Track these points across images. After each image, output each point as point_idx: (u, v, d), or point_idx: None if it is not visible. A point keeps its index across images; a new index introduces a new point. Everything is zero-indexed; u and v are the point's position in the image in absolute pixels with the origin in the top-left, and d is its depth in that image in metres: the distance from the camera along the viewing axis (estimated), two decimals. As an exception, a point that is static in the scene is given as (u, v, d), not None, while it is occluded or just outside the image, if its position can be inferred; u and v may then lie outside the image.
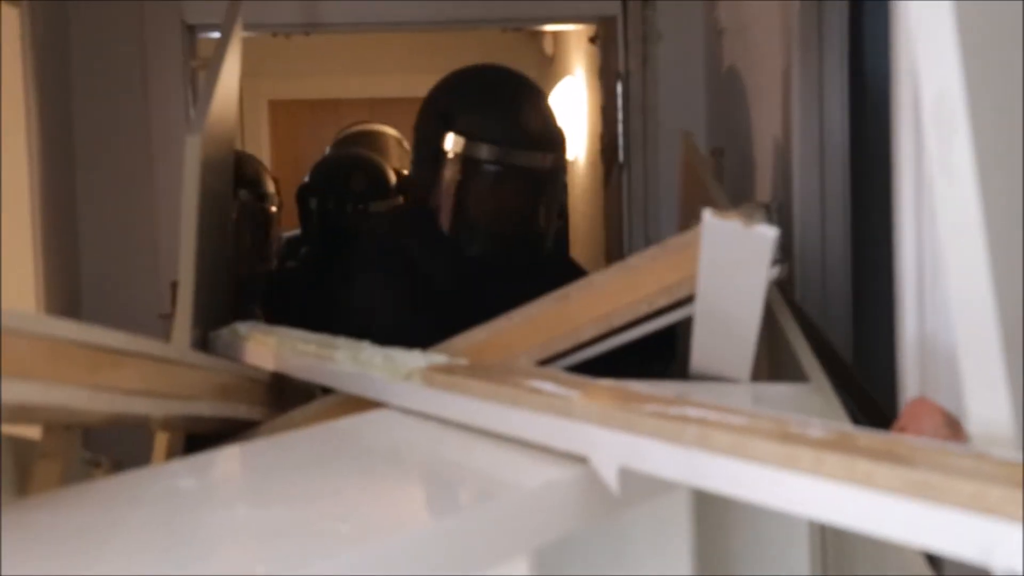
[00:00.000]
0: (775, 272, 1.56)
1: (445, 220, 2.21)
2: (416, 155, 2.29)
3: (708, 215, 1.32)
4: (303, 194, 3.14)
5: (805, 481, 0.79)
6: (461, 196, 2.20)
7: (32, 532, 0.91)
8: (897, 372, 1.43)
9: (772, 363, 1.63)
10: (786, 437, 0.82)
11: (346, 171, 3.13)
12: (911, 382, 1.37)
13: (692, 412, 0.94)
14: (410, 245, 2.20)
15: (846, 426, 0.89)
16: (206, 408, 1.45)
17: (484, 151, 2.19)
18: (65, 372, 1.04)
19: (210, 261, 2.14)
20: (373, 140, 3.76)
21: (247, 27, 2.79)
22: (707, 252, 1.37)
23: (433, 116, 2.24)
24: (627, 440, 0.96)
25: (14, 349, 0.95)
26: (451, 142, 2.18)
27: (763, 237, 1.29)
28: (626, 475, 0.98)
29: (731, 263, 1.36)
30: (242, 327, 1.83)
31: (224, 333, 1.87)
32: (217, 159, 2.23)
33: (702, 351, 1.48)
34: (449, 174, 2.19)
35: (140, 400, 1.22)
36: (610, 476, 0.98)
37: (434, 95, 2.29)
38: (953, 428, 1.01)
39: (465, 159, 2.19)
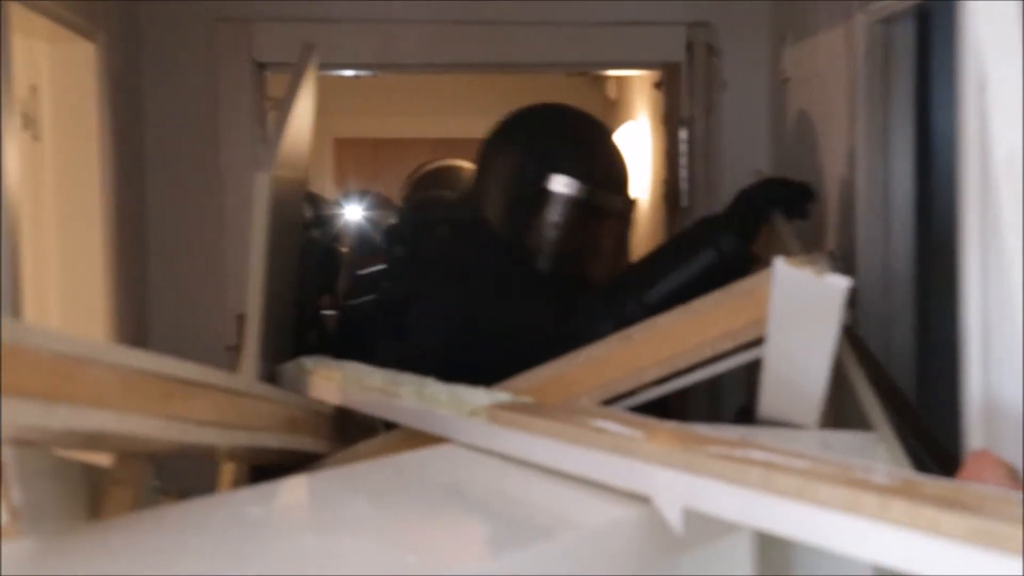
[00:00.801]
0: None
1: (544, 257, 2.24)
2: (507, 192, 2.28)
3: (779, 263, 1.33)
4: (390, 237, 3.20)
5: (870, 526, 0.79)
6: (564, 235, 2.24)
7: (102, 554, 0.93)
8: (960, 425, 1.42)
9: (837, 409, 1.63)
10: (851, 482, 0.83)
11: (431, 217, 3.21)
12: (975, 435, 1.36)
13: (756, 455, 0.94)
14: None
15: (911, 473, 0.89)
16: (273, 440, 1.47)
17: (598, 196, 2.26)
18: (139, 402, 1.06)
19: (277, 296, 2.17)
20: (452, 175, 3.80)
21: (319, 66, 2.84)
22: (777, 299, 1.38)
23: (535, 155, 2.27)
24: (691, 481, 0.97)
25: (89, 377, 0.97)
26: (562, 184, 2.23)
27: (835, 287, 1.29)
28: (689, 516, 0.98)
29: (802, 311, 1.37)
30: (308, 361, 1.86)
31: (290, 367, 1.90)
32: (287, 195, 2.27)
33: (770, 398, 1.48)
34: (565, 215, 2.24)
35: (210, 431, 1.24)
36: (674, 516, 0.99)
37: (532, 133, 2.32)
38: (1015, 482, 1.01)
39: (576, 201, 2.23)
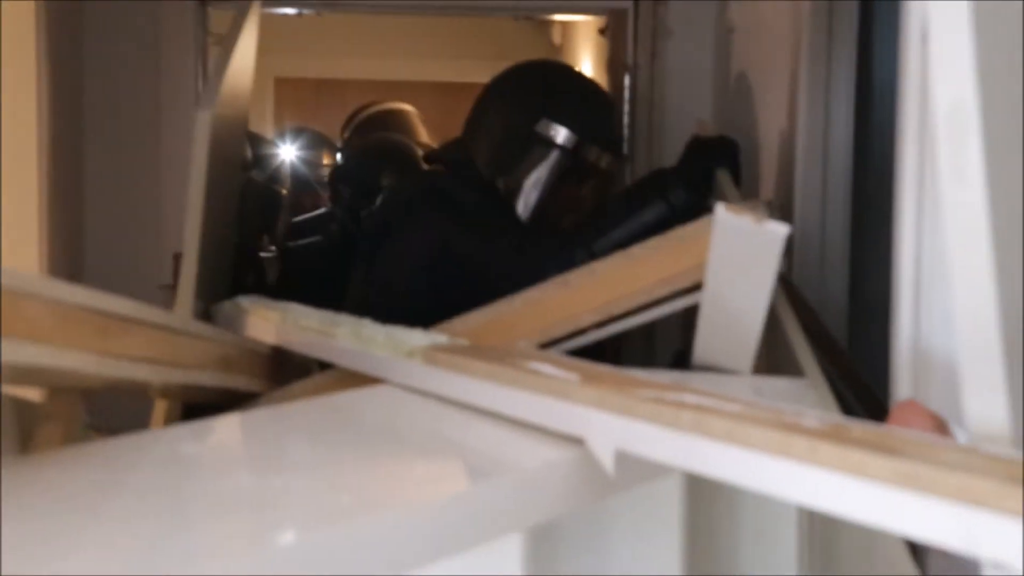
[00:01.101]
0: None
1: (523, 204, 2.26)
2: (500, 136, 2.31)
3: (721, 210, 1.34)
4: (337, 179, 3.19)
5: (799, 469, 0.80)
6: (546, 184, 2.27)
7: (32, 490, 0.92)
8: (890, 372, 1.44)
9: (770, 356, 1.65)
10: (782, 426, 0.84)
11: (380, 161, 3.19)
12: (903, 383, 1.39)
13: (689, 399, 0.95)
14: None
15: (841, 418, 0.91)
16: (207, 378, 1.46)
17: (593, 152, 2.29)
18: (75, 337, 1.05)
19: (215, 236, 2.15)
20: (396, 120, 3.78)
21: (263, 4, 2.81)
22: (718, 246, 1.39)
23: (530, 99, 2.30)
24: (624, 424, 0.98)
25: (25, 311, 0.96)
26: (552, 131, 2.26)
27: (774, 234, 1.30)
28: (622, 458, 0.99)
29: (741, 259, 1.38)
30: (245, 301, 1.85)
31: (227, 306, 1.89)
32: (227, 135, 2.24)
33: (705, 344, 1.50)
34: (549, 163, 2.26)
35: (145, 367, 1.23)
36: (606, 458, 1.00)
37: (532, 82, 2.35)
38: (941, 431, 1.03)
39: (571, 153, 2.27)
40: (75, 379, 1.13)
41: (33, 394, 1.23)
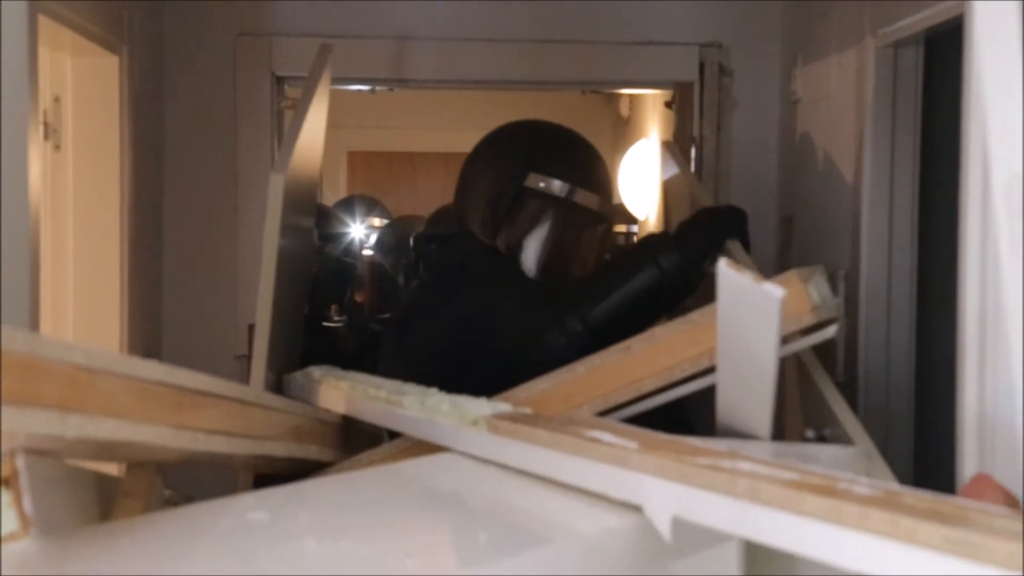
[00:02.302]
0: (831, 332, 1.58)
1: (528, 261, 2.28)
2: (492, 196, 2.31)
3: (723, 265, 1.34)
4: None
5: (850, 536, 0.82)
6: (546, 236, 2.28)
7: (104, 554, 0.95)
8: (956, 444, 1.44)
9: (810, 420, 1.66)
10: (834, 492, 0.85)
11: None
12: (970, 454, 1.38)
13: (744, 466, 0.97)
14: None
15: (893, 485, 0.92)
16: (280, 448, 1.49)
17: (586, 197, 2.30)
18: (150, 411, 1.08)
19: (288, 306, 2.20)
20: None
21: (335, 81, 2.88)
22: (724, 302, 1.39)
23: (514, 154, 2.31)
24: (680, 490, 0.99)
25: (102, 387, 1.00)
26: (541, 182, 2.27)
27: (771, 296, 1.30)
28: (678, 524, 1.01)
29: (746, 316, 1.37)
30: (316, 371, 1.89)
31: (298, 376, 1.93)
32: (300, 204, 2.30)
33: (725, 404, 1.50)
34: (546, 216, 2.28)
35: (219, 439, 1.26)
36: (663, 525, 1.01)
37: (516, 139, 2.36)
38: (1013, 506, 1.03)
39: (564, 202, 2.28)
40: (152, 453, 1.16)
41: (113, 469, 1.26)
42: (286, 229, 2.05)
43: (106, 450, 1.08)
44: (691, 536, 1.04)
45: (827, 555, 0.85)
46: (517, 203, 2.27)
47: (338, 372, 1.88)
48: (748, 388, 1.45)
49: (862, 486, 0.89)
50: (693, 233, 2.11)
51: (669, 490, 1.01)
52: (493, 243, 2.30)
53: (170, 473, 1.32)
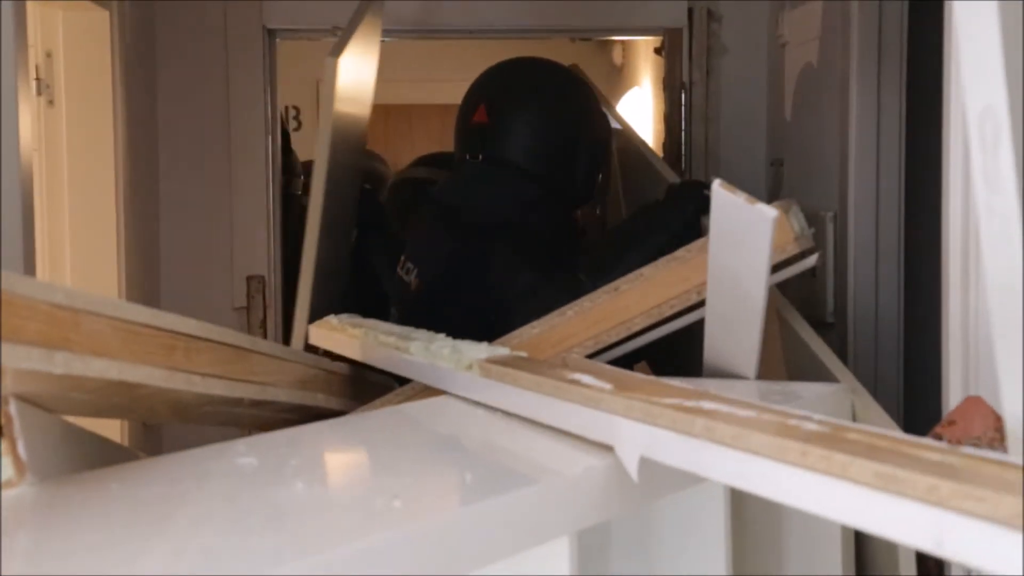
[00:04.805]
0: (810, 262, 1.61)
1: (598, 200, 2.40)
2: (601, 141, 2.40)
3: (716, 185, 1.35)
4: None
5: (790, 472, 0.82)
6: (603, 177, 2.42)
7: (99, 501, 0.97)
8: (942, 372, 1.45)
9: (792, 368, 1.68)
10: (782, 430, 0.86)
11: None
12: (955, 380, 1.39)
13: (707, 405, 0.98)
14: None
15: (846, 422, 0.91)
16: (283, 395, 1.49)
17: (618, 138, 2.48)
18: (140, 352, 1.09)
19: (329, 247, 2.23)
20: None
21: (328, 32, 2.89)
22: (717, 224, 1.40)
23: (587, 107, 2.38)
24: (646, 430, 1.01)
25: (90, 327, 1.00)
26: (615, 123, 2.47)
27: (764, 216, 1.31)
28: (647, 465, 1.02)
29: (738, 238, 1.38)
30: (335, 319, 1.91)
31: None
32: (347, 145, 2.32)
33: (712, 337, 1.52)
34: (603, 158, 2.41)
35: (216, 382, 1.26)
36: (631, 465, 1.03)
37: (573, 87, 2.41)
38: (998, 427, 1.04)
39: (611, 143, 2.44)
40: (151, 401, 1.17)
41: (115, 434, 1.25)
42: (333, 168, 2.07)
43: (104, 398, 1.09)
44: (665, 476, 1.05)
45: (771, 492, 0.85)
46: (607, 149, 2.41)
47: (355, 319, 1.90)
48: (736, 317, 1.45)
49: (812, 423, 0.89)
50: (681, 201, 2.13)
51: (637, 430, 1.02)
52: (584, 192, 2.35)
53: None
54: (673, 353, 1.89)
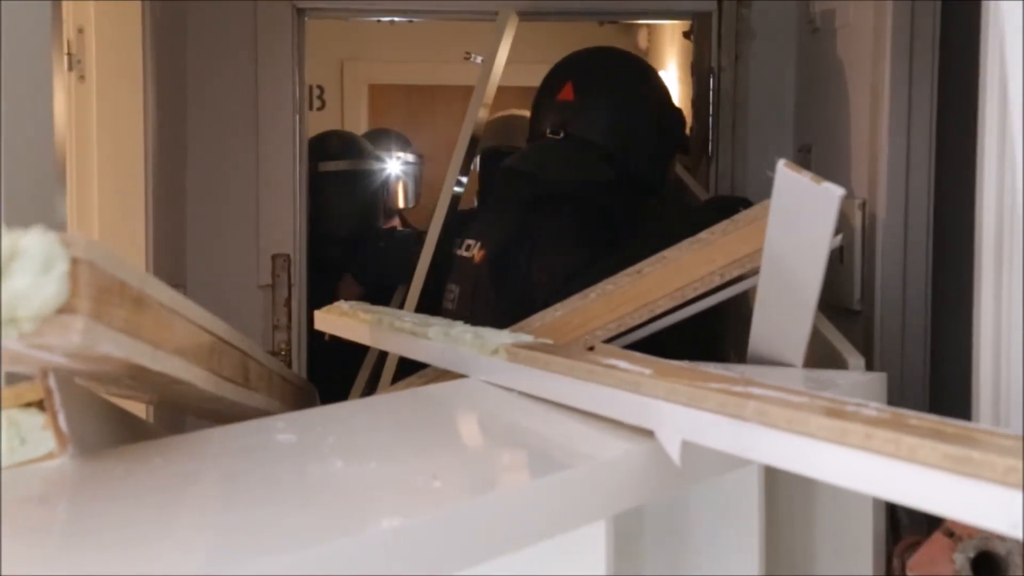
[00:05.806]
0: (836, 241, 1.61)
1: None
2: (636, 128, 2.43)
3: (781, 165, 1.36)
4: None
5: (854, 455, 0.83)
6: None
7: (140, 474, 0.98)
8: (972, 364, 1.45)
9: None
10: (840, 414, 0.87)
11: None
12: (986, 369, 1.39)
13: (755, 391, 0.98)
14: None
15: (902, 410, 0.93)
16: (261, 401, 1.47)
17: None
18: (195, 353, 1.11)
19: None
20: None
21: (359, 12, 2.89)
22: (778, 203, 1.41)
23: (666, 102, 2.50)
24: (690, 414, 1.01)
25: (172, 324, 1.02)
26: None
27: (830, 193, 1.32)
28: (688, 448, 1.03)
29: (799, 216, 1.39)
30: (344, 305, 1.91)
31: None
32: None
33: (761, 320, 1.51)
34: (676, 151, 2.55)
35: (229, 385, 1.27)
36: (673, 449, 1.03)
37: (655, 81, 2.54)
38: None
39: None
40: (176, 389, 1.16)
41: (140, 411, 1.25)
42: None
43: (140, 383, 1.10)
44: (704, 460, 1.05)
45: (833, 476, 0.86)
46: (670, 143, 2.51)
47: (364, 305, 1.90)
48: (790, 301, 1.45)
49: (870, 409, 0.90)
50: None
51: (679, 414, 1.02)
52: (656, 181, 2.44)
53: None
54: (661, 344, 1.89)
